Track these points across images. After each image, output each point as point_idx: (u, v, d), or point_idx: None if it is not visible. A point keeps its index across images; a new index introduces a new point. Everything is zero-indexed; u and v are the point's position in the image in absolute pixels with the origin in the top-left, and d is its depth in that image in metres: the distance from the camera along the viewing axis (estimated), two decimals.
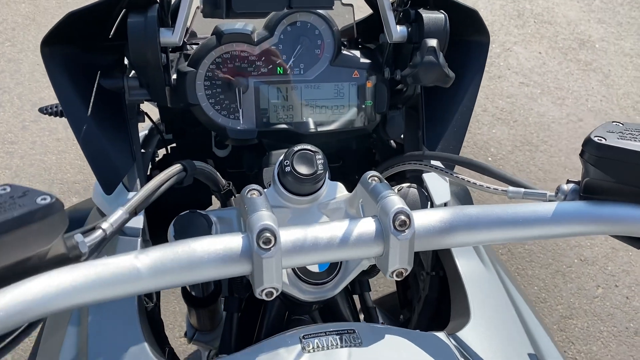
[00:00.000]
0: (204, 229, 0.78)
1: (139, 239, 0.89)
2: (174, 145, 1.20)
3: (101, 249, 0.60)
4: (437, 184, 0.99)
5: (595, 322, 2.54)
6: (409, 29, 0.93)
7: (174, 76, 0.94)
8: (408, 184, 0.86)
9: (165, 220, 1.06)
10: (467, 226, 0.69)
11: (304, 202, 0.82)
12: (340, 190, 0.85)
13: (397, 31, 0.92)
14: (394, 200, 0.69)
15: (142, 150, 1.15)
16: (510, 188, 0.74)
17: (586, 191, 0.67)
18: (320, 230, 0.69)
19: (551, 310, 2.54)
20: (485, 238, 0.69)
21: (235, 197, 0.91)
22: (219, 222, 0.80)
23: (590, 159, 0.64)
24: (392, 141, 1.13)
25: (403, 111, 1.04)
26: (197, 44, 1.09)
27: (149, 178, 1.17)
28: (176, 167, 0.76)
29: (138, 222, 0.88)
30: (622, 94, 3.57)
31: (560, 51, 3.85)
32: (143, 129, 1.19)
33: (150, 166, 1.20)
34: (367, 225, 0.69)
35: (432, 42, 0.87)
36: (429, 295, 1.00)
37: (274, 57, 0.93)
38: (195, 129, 0.98)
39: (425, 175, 0.98)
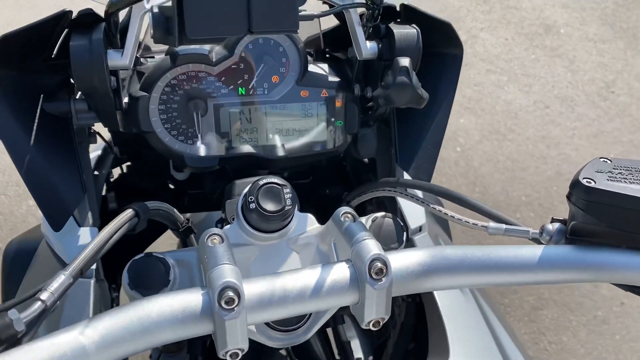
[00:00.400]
0: (161, 274, 0.71)
1: (92, 280, 0.82)
2: (130, 163, 1.12)
3: (40, 322, 0.53)
4: (412, 205, 0.94)
5: (564, 311, 2.56)
6: (380, 45, 0.87)
7: (126, 99, 0.86)
8: (383, 214, 0.80)
9: (122, 251, 0.99)
10: (448, 270, 0.65)
11: (271, 239, 0.76)
12: (311, 222, 0.79)
13: (367, 47, 0.86)
14: (370, 245, 0.63)
15: (96, 173, 1.07)
16: (491, 224, 0.70)
17: (573, 233, 0.62)
18: (289, 280, 0.63)
19: (521, 302, 2.55)
20: (466, 282, 0.65)
21: (195, 233, 0.85)
22: (177, 266, 0.73)
23: (579, 202, 0.60)
24: None
25: (374, 128, 0.98)
26: (153, 57, 1.01)
27: (104, 201, 1.09)
28: (126, 214, 0.68)
29: None
30: (587, 80, 3.59)
31: (526, 37, 3.84)
32: (95, 148, 1.11)
33: (105, 188, 1.12)
34: (340, 272, 0.64)
35: (405, 62, 0.81)
36: (405, 323, 0.96)
37: (234, 78, 0.86)
38: (151, 151, 0.90)
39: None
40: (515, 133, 3.23)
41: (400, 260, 0.65)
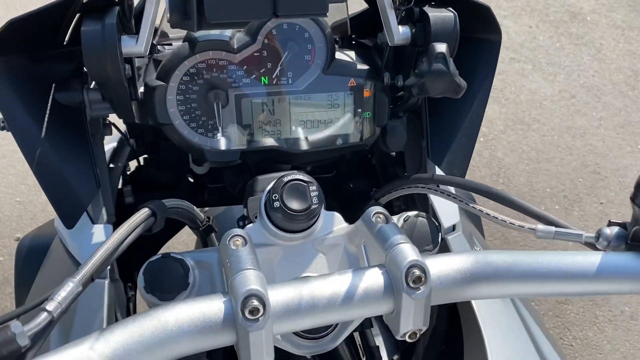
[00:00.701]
0: (179, 277, 0.66)
1: (106, 281, 0.77)
2: (147, 156, 1.07)
3: (47, 335, 0.48)
4: (445, 202, 0.88)
5: (590, 307, 2.49)
6: (413, 30, 0.80)
7: (141, 89, 0.80)
8: (416, 213, 0.74)
9: (138, 247, 0.94)
10: (493, 278, 0.59)
11: (296, 240, 0.71)
12: (338, 221, 0.74)
13: (400, 33, 0.80)
14: (406, 251, 0.58)
15: (111, 166, 1.02)
16: (540, 226, 0.64)
17: (636, 239, 0.56)
18: (317, 286, 0.58)
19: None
20: (513, 292, 0.59)
21: (216, 232, 0.79)
22: (197, 267, 0.68)
23: None
24: None
25: (404, 120, 0.92)
26: (170, 44, 0.95)
27: (120, 195, 1.04)
28: (142, 214, 0.63)
29: None
30: (614, 69, 3.47)
31: (551, 24, 3.73)
32: (111, 140, 1.06)
33: (121, 181, 1.07)
34: (373, 279, 0.59)
35: (441, 48, 0.75)
36: (436, 327, 0.90)
37: (257, 66, 0.80)
38: (169, 143, 0.85)
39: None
40: (540, 123, 3.14)
41: (440, 266, 0.59)
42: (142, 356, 0.51)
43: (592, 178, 2.88)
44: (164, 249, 1.11)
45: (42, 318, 0.48)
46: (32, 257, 1.05)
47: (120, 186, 1.07)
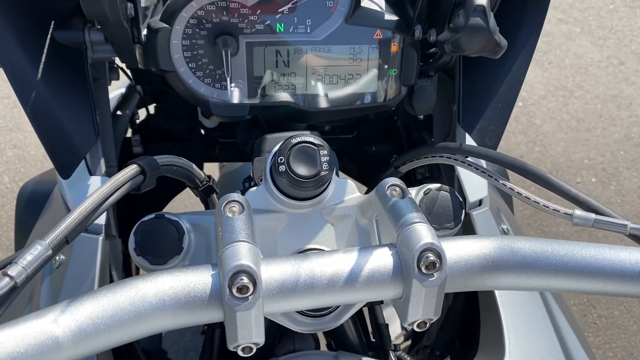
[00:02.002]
0: (173, 240, 0.61)
1: (100, 237, 0.72)
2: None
3: (9, 304, 0.43)
4: (473, 174, 0.80)
5: None
6: None
7: (145, 31, 0.73)
8: (438, 185, 0.67)
9: (140, 204, 0.88)
10: (517, 268, 0.52)
11: (302, 207, 0.64)
12: (350, 190, 0.67)
13: None
14: (421, 231, 0.51)
15: (118, 113, 0.96)
16: (577, 211, 0.55)
17: None
18: (318, 264, 0.52)
19: None
20: (540, 285, 0.52)
21: (217, 193, 0.73)
22: (192, 231, 0.63)
23: None
24: None
25: (435, 80, 0.83)
26: None
27: (128, 144, 0.99)
28: (129, 171, 0.57)
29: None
30: None
31: None
32: (120, 85, 1.00)
33: (130, 130, 1.01)
34: (382, 260, 0.52)
35: (482, 0, 0.65)
36: (452, 307, 0.83)
37: (272, 11, 0.72)
38: (177, 93, 0.78)
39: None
40: (584, 90, 2.97)
41: (458, 250, 0.52)
42: (114, 331, 0.46)
43: (634, 152, 2.73)
44: (171, 205, 1.06)
45: (3, 284, 0.43)
46: (32, 203, 1.02)
47: (129, 134, 1.01)
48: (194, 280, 0.49)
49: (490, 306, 0.75)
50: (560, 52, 3.12)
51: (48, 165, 2.56)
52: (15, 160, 2.57)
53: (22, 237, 0.99)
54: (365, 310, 0.84)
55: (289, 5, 0.72)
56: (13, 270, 0.43)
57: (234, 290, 0.47)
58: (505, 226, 0.86)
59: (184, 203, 2.29)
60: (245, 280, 0.47)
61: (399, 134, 1.03)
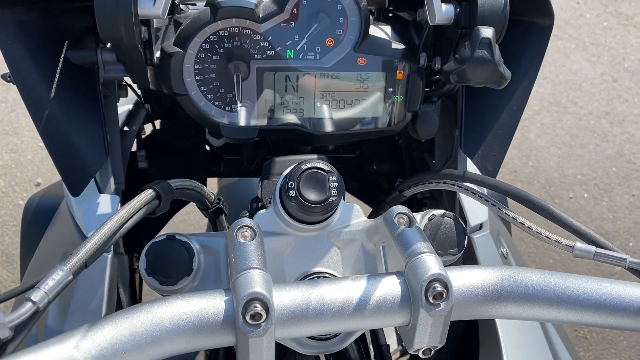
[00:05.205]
0: (183, 262, 0.62)
1: (109, 255, 0.74)
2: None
3: (30, 327, 0.44)
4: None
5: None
6: (457, 10, 0.72)
7: (158, 54, 0.74)
8: (442, 212, 0.68)
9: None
10: (521, 299, 0.54)
11: (310, 231, 0.66)
12: (357, 214, 0.69)
13: (442, 11, 0.72)
14: (428, 262, 0.52)
15: (125, 128, 0.97)
16: (579, 244, 0.57)
17: None
18: (328, 291, 0.53)
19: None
20: (542, 316, 0.54)
21: (226, 214, 0.74)
22: (202, 252, 0.64)
23: None
24: None
25: (438, 105, 0.85)
26: (194, 3, 0.89)
27: (134, 159, 1.00)
28: (145, 196, 0.58)
29: None
30: None
31: (599, 2, 3.54)
32: (126, 102, 1.01)
33: (135, 145, 1.03)
34: (390, 288, 0.54)
35: (487, 33, 0.67)
36: (452, 328, 0.85)
37: (283, 38, 0.74)
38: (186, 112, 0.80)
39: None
40: (578, 106, 3.01)
41: (464, 280, 0.54)
42: (131, 355, 0.47)
43: (626, 168, 2.77)
44: (173, 220, 1.07)
45: (26, 309, 0.44)
46: (39, 217, 1.02)
47: (134, 149, 1.02)
48: (208, 305, 0.51)
49: (489, 329, 0.76)
50: (555, 67, 3.16)
51: (44, 170, 2.56)
52: (12, 164, 2.57)
53: (28, 250, 1.00)
54: (367, 331, 0.85)
55: (299, 33, 0.74)
56: (36, 296, 0.44)
57: (248, 318, 0.49)
58: (504, 250, 0.88)
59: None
60: (259, 307, 0.49)
61: (400, 153, 1.05)
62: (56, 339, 0.44)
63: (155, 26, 0.78)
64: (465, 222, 0.84)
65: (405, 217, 0.59)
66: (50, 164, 2.59)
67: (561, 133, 2.89)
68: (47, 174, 2.54)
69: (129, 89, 0.90)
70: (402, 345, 1.17)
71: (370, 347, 0.85)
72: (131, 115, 0.99)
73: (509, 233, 1.08)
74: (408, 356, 0.97)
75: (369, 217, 0.70)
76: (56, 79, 0.74)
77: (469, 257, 0.83)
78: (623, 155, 2.82)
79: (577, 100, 3.03)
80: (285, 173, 0.66)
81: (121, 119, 1.00)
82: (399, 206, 0.60)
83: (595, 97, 3.06)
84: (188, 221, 2.36)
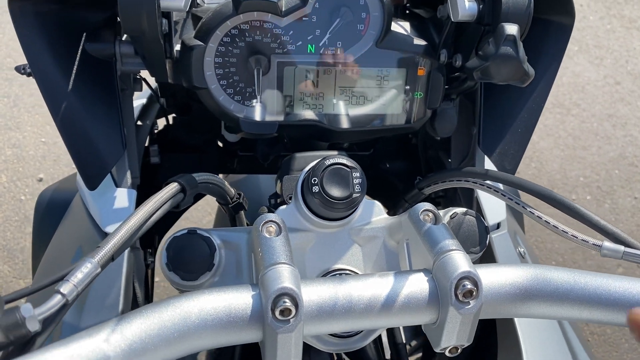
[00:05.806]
0: (204, 257, 0.62)
1: (126, 251, 0.73)
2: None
3: (59, 320, 0.44)
4: (491, 197, 0.81)
5: None
6: (481, 6, 0.72)
7: (177, 47, 0.74)
8: (464, 210, 0.68)
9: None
10: (550, 297, 0.53)
11: (331, 227, 0.65)
12: (378, 211, 0.68)
13: (465, 7, 0.72)
14: (458, 260, 0.52)
15: (139, 123, 0.96)
16: (606, 243, 0.57)
17: None
18: (355, 288, 0.53)
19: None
20: (569, 315, 0.53)
21: (246, 210, 0.74)
22: (223, 247, 0.63)
23: None
24: None
25: (457, 103, 0.84)
26: None
27: (146, 153, 0.99)
28: (171, 189, 0.58)
29: None
30: None
31: (603, 4, 3.54)
32: (140, 96, 1.01)
33: (148, 139, 1.02)
34: (418, 285, 0.53)
35: (512, 30, 0.67)
36: None
37: (304, 32, 0.73)
38: (202, 106, 0.79)
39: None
40: (580, 108, 3.01)
41: (493, 279, 0.53)
42: (160, 350, 0.46)
43: (629, 170, 2.77)
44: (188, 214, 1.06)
45: (55, 301, 0.43)
46: (51, 211, 1.01)
47: (147, 144, 1.02)
48: (235, 301, 0.50)
49: (508, 328, 0.76)
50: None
51: (46, 165, 2.54)
52: (14, 159, 2.55)
53: (40, 244, 0.99)
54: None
55: (321, 27, 0.73)
56: (65, 288, 0.44)
57: (277, 313, 0.48)
58: (522, 249, 0.88)
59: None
60: (288, 303, 0.48)
61: (413, 151, 1.05)
62: (85, 332, 0.44)
63: (173, 19, 0.77)
64: (486, 221, 0.84)
65: (431, 214, 0.59)
66: (52, 159, 2.58)
67: (564, 135, 2.89)
68: (49, 169, 2.53)
69: (144, 83, 0.89)
70: (410, 345, 1.17)
71: (386, 345, 0.85)
72: (145, 109, 0.98)
73: (523, 231, 1.08)
74: (420, 354, 0.97)
75: (387, 215, 0.69)
76: (74, 71, 0.73)
77: (487, 256, 0.82)
78: (626, 158, 2.83)
79: (580, 103, 3.04)
80: (307, 168, 0.65)
81: (135, 114, 0.99)
82: (424, 203, 0.60)
83: (598, 100, 3.06)
84: (190, 218, 2.35)
